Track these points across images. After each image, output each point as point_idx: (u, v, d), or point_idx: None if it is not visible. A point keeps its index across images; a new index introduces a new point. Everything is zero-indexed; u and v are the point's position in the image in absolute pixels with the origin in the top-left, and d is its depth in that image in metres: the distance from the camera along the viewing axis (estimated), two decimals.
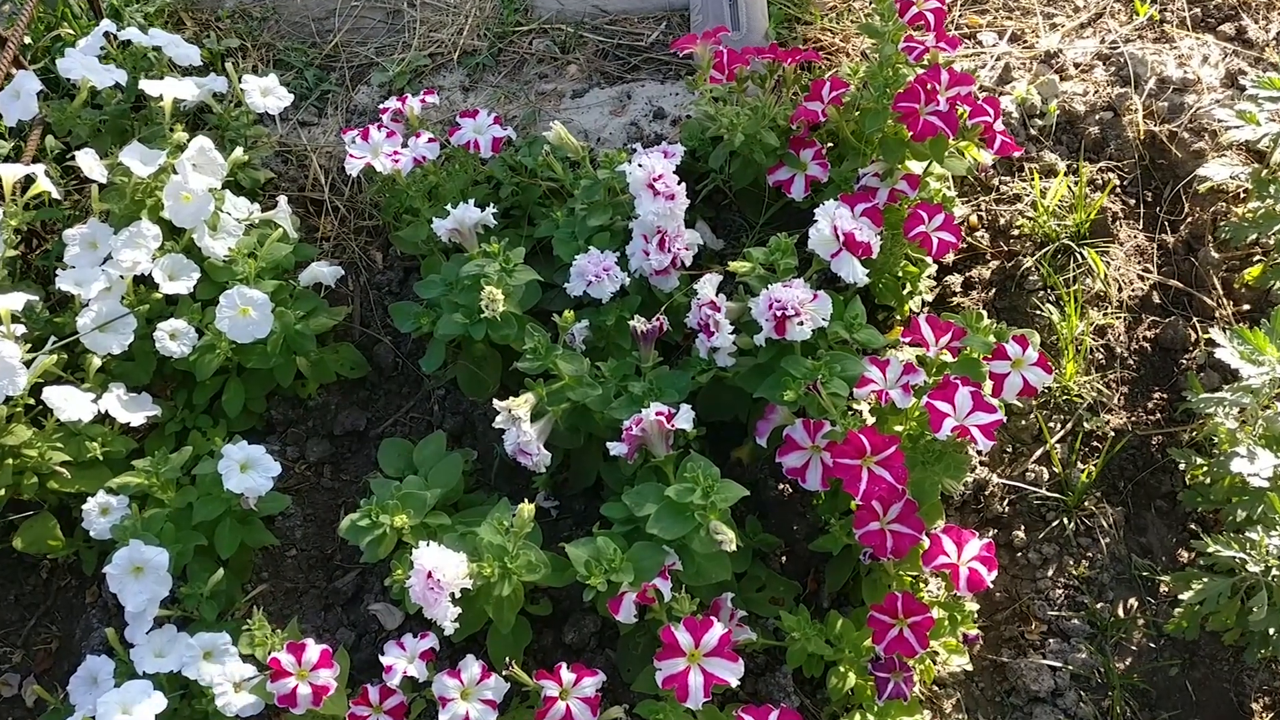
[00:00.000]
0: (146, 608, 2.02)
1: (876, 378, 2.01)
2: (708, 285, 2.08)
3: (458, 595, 1.84)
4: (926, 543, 1.96)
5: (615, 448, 1.97)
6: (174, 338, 2.23)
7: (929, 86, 2.21)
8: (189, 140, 2.32)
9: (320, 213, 2.71)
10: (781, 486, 2.30)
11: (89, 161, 2.30)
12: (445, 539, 1.97)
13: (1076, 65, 2.71)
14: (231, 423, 2.40)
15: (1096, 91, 2.64)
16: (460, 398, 2.44)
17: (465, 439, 2.44)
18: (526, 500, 2.15)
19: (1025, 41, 2.79)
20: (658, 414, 1.94)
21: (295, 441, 2.47)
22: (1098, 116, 2.60)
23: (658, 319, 2.10)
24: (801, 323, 1.99)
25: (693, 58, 2.44)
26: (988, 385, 2.03)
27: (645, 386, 2.07)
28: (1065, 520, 2.22)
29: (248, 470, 2.09)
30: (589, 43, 2.89)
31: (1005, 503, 2.26)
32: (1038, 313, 2.39)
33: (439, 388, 2.48)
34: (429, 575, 1.81)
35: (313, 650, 1.91)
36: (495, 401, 1.99)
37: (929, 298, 2.46)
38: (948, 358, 2.08)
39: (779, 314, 1.98)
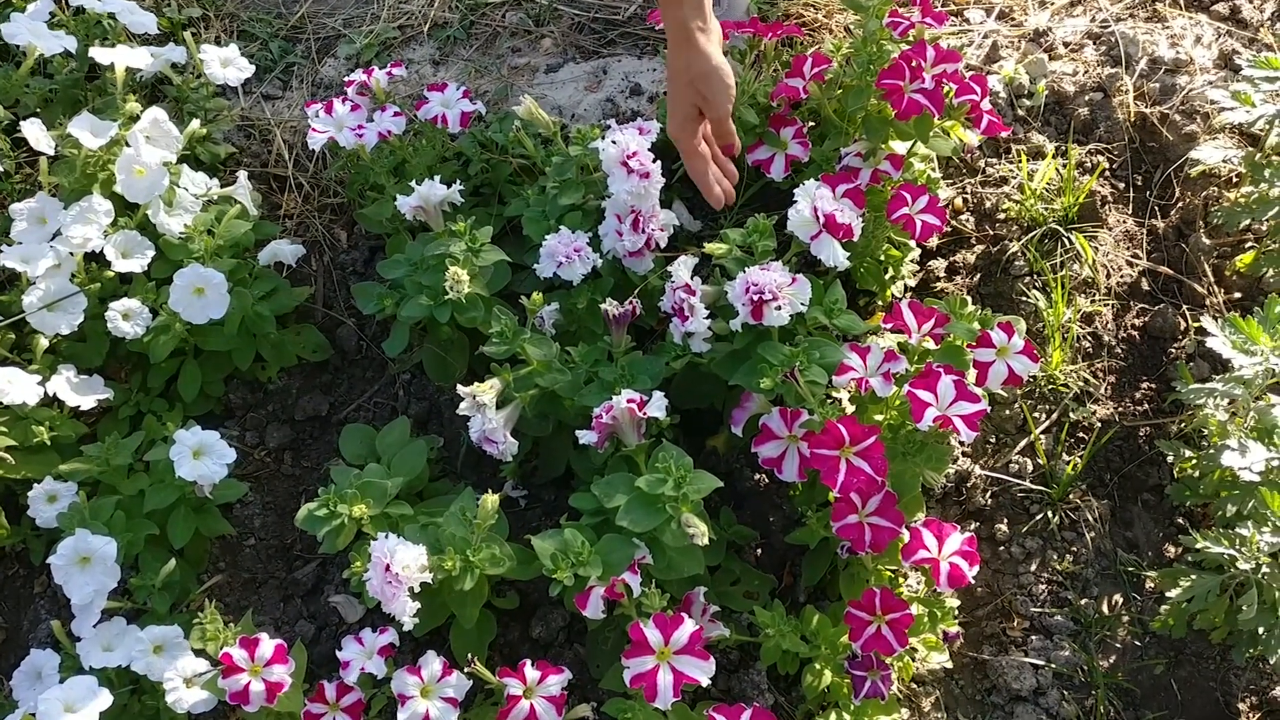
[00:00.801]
0: (93, 600, 1.94)
1: (856, 365, 1.95)
2: (682, 268, 2.02)
3: (418, 589, 1.77)
4: (906, 536, 1.90)
5: (585, 436, 1.91)
6: (127, 318, 2.16)
7: (914, 63, 2.14)
8: (143, 112, 2.23)
9: (283, 189, 2.63)
10: (758, 477, 2.24)
11: (35, 132, 2.21)
12: (406, 530, 1.91)
13: (1066, 44, 2.64)
14: (188, 407, 2.32)
15: (1086, 71, 2.58)
16: (426, 382, 2.38)
17: (431, 425, 2.37)
18: (493, 490, 2.11)
19: (1013, 19, 2.73)
20: (629, 401, 1.88)
21: (255, 427, 2.39)
22: (1087, 97, 2.54)
23: (631, 303, 2.03)
24: (779, 307, 1.93)
25: None
26: (971, 374, 1.97)
27: (617, 373, 2.01)
28: (1049, 514, 2.17)
29: (201, 457, 2.02)
30: (564, 16, 2.81)
31: (988, 495, 2.21)
32: (1024, 299, 2.34)
33: (404, 372, 2.41)
34: (387, 568, 1.74)
35: (266, 645, 1.85)
36: (459, 387, 1.92)
37: (912, 283, 2.40)
38: (930, 345, 2.02)
39: (756, 298, 1.92)
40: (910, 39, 2.26)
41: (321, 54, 2.82)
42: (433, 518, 1.97)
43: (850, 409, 2.01)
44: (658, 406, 1.90)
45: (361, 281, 2.42)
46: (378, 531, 1.90)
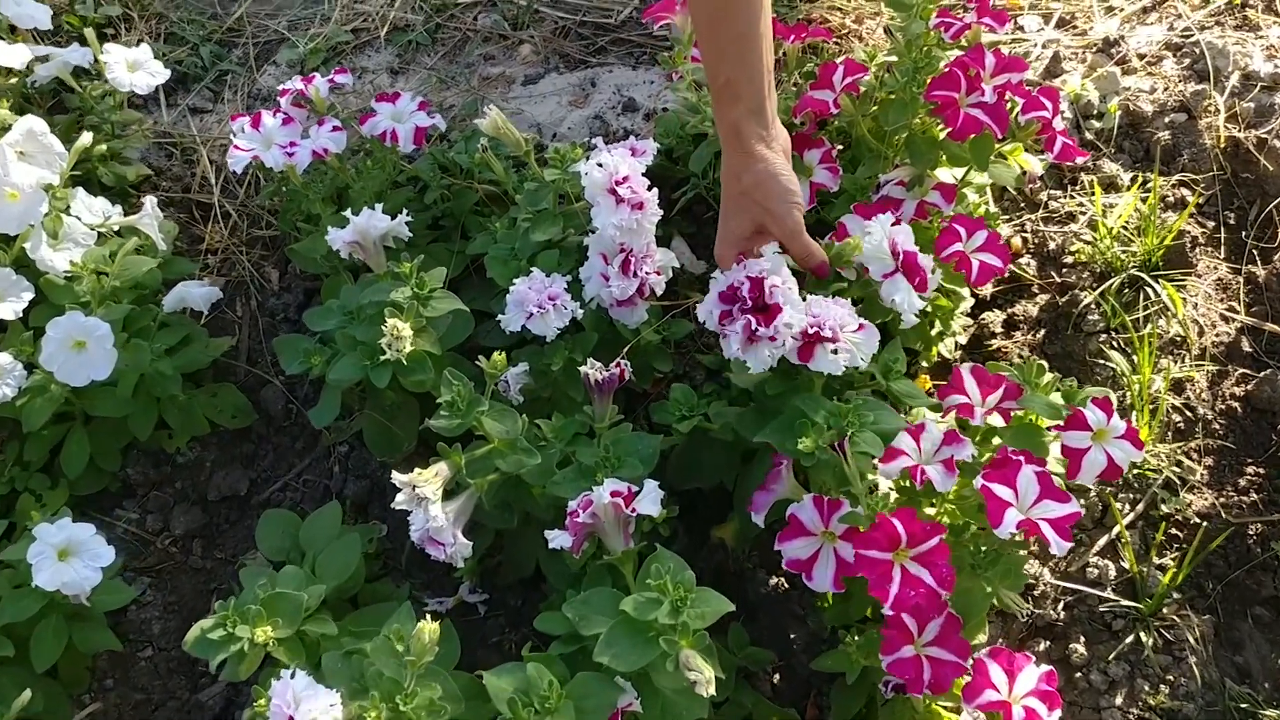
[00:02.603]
0: None
1: (908, 448, 1.56)
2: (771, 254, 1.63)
3: None
4: (969, 669, 1.50)
5: (556, 539, 1.51)
6: None
7: (971, 72, 1.77)
8: (17, 121, 1.85)
9: (208, 219, 2.25)
10: (775, 581, 1.84)
11: None
12: (327, 658, 1.51)
13: (1141, 56, 2.28)
14: (74, 485, 1.95)
15: (1166, 88, 2.21)
16: (367, 455, 1.99)
17: (373, 508, 1.98)
18: (447, 593, 1.76)
19: (1075, 27, 2.36)
20: (614, 495, 1.49)
21: (158, 508, 2.00)
22: (1168, 119, 2.17)
23: (618, 364, 1.65)
24: (835, 351, 1.54)
25: (671, 32, 1.99)
26: (1052, 462, 1.58)
27: (599, 454, 1.61)
28: (1139, 633, 1.77)
29: (69, 557, 1.63)
30: (546, 19, 2.44)
31: (1060, 607, 1.80)
32: (1099, 361, 1.95)
33: (341, 443, 2.02)
34: None
35: None
36: (395, 475, 1.53)
37: (963, 339, 2.01)
38: (997, 422, 1.63)
39: (812, 331, 1.53)
40: (963, 43, 1.90)
41: (261, 60, 2.45)
42: (361, 640, 1.57)
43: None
44: (650, 500, 1.51)
45: (292, 333, 2.03)
46: (291, 659, 1.51)
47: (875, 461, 1.56)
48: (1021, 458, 1.51)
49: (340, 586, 1.73)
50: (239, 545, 1.98)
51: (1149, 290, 1.99)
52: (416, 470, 1.53)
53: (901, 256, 1.66)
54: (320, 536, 1.79)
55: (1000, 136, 1.76)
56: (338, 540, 1.77)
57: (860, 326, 1.59)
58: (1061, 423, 1.59)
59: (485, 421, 1.59)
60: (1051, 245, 2.09)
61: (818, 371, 1.58)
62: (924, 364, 2.00)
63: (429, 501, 1.51)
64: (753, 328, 1.57)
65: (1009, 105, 1.79)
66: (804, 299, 1.60)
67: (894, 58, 1.90)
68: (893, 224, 1.76)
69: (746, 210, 1.64)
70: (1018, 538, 1.46)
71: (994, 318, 2.06)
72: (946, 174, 1.91)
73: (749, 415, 1.71)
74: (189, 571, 1.97)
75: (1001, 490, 1.47)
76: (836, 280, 1.74)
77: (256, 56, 2.46)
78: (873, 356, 1.62)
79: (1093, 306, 2.00)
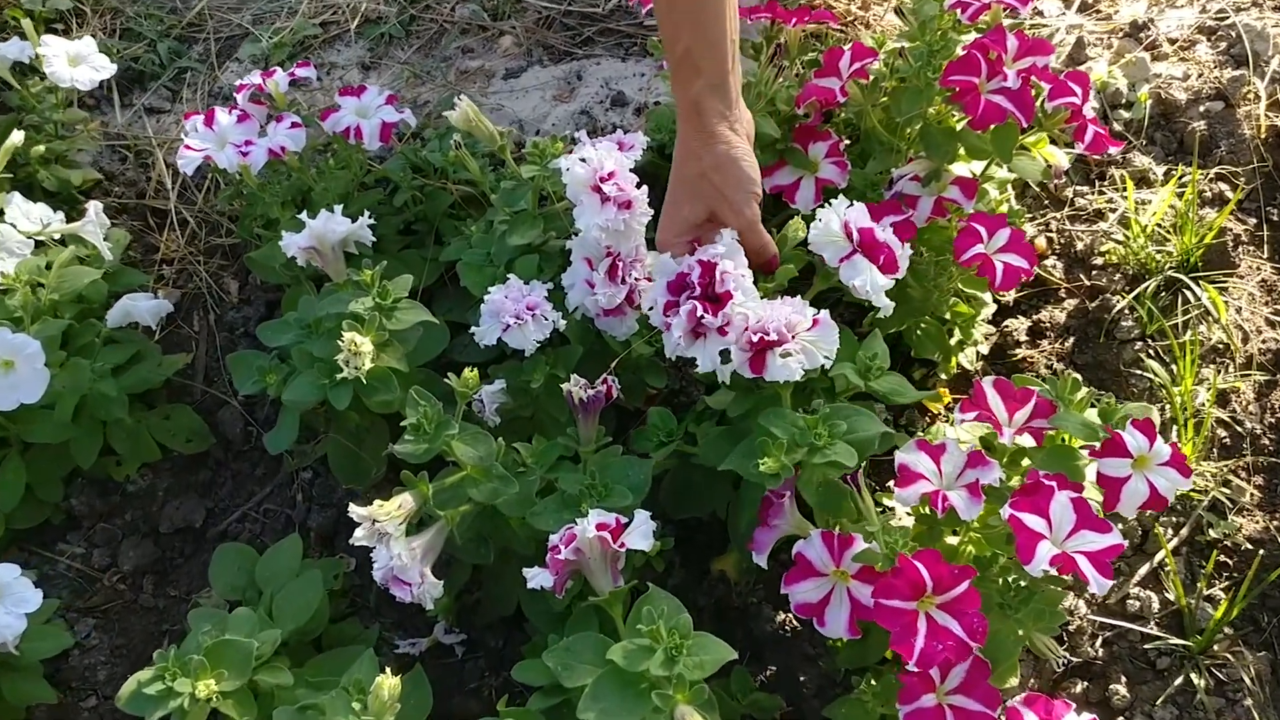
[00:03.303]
0: None
1: (927, 470, 1.40)
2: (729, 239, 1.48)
3: None
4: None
5: (536, 578, 1.36)
6: None
7: (992, 55, 1.62)
8: None
9: (165, 227, 2.10)
10: (783, 617, 1.69)
11: None
12: (277, 714, 1.36)
13: (1172, 41, 2.13)
14: (11, 517, 1.80)
15: (1201, 75, 2.06)
16: (333, 482, 1.83)
17: (339, 540, 1.83)
18: (421, 631, 1.64)
19: (1099, 10, 2.21)
20: (600, 528, 1.33)
21: (105, 542, 1.86)
22: (1204, 108, 2.02)
23: (605, 380, 1.49)
24: (788, 354, 1.39)
25: None
26: (1088, 486, 1.42)
27: (584, 480, 1.46)
28: (1188, 672, 1.61)
29: None
30: (529, 8, 2.30)
31: (1099, 644, 1.65)
32: (1135, 372, 1.80)
33: (305, 469, 1.87)
34: None
35: None
36: (353, 508, 1.37)
37: (984, 349, 1.86)
38: (1027, 442, 1.48)
39: (757, 340, 1.38)
40: (981, 25, 1.75)
41: (223, 57, 2.31)
42: (320, 690, 1.41)
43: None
44: (641, 534, 1.36)
45: (253, 349, 1.88)
46: (240, 714, 1.38)
47: (891, 485, 1.41)
48: (1054, 483, 1.36)
49: (301, 629, 1.58)
50: (194, 582, 1.83)
51: (1188, 293, 1.84)
52: (377, 502, 1.38)
53: (857, 235, 1.50)
54: (279, 573, 1.64)
55: (1025, 126, 1.61)
56: (298, 577, 1.63)
57: (815, 322, 1.44)
58: (1097, 445, 1.43)
59: (456, 446, 1.43)
60: (1079, 245, 1.95)
61: (774, 382, 1.42)
62: (942, 375, 1.85)
63: (391, 538, 1.36)
64: (698, 315, 1.41)
65: (1034, 91, 1.64)
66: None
67: (905, 43, 1.76)
68: (894, 221, 1.62)
69: (701, 195, 1.49)
70: (1053, 574, 1.31)
71: (1018, 325, 1.91)
72: (963, 168, 1.77)
73: (718, 439, 1.55)
74: (139, 611, 1.81)
75: (1033, 520, 1.31)
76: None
77: (218, 53, 2.31)
78: (847, 354, 1.47)
79: (1126, 312, 1.85)
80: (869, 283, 1.50)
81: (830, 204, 1.54)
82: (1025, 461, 1.50)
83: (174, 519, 1.86)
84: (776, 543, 1.49)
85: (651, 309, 1.51)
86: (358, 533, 1.39)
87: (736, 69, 1.49)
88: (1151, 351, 1.82)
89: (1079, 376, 1.50)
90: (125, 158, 2.18)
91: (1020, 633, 1.37)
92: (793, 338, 1.41)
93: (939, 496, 1.38)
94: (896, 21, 2.19)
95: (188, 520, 1.86)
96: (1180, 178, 1.95)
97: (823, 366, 1.43)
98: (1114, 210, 1.95)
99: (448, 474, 1.48)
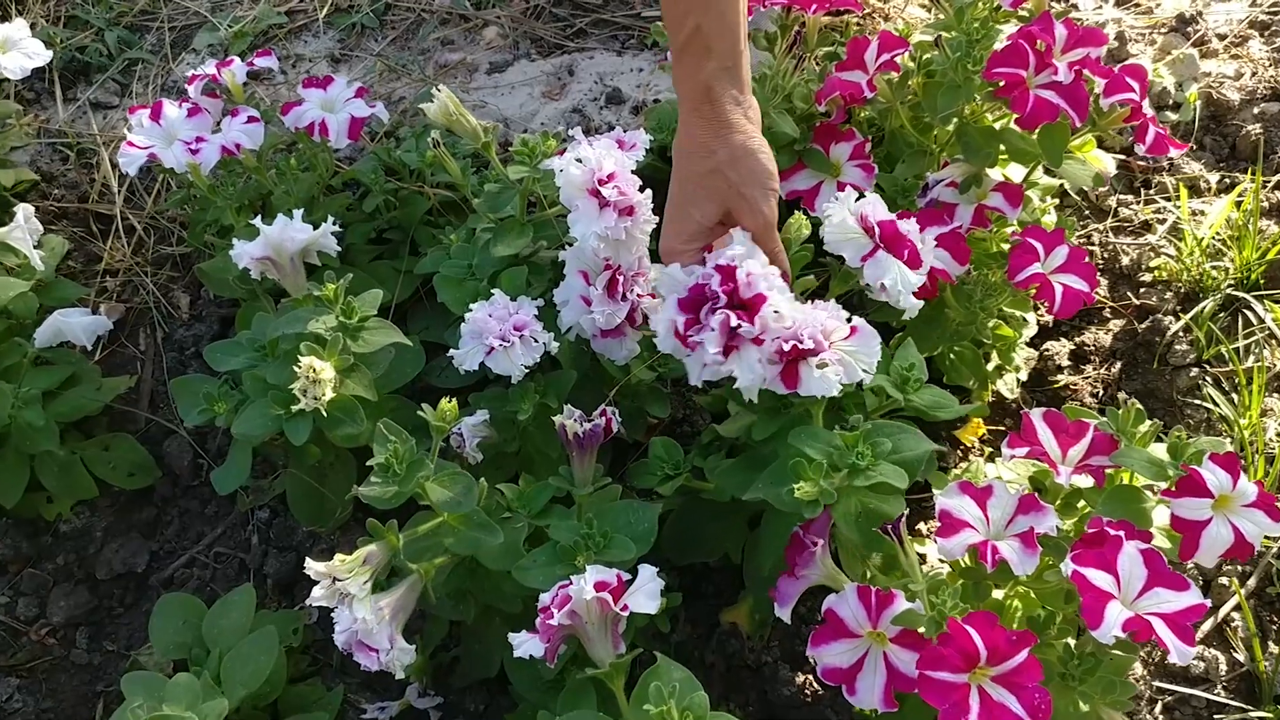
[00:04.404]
0: None
1: (973, 518, 1.24)
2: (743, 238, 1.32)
3: None
4: None
5: (524, 645, 1.19)
6: None
7: (1040, 46, 1.47)
8: None
9: (109, 234, 1.92)
10: (803, 678, 1.52)
11: None
12: None
13: (1221, 36, 1.99)
14: None
15: (1255, 73, 1.93)
16: (292, 523, 1.66)
17: (299, 589, 1.66)
18: (394, 693, 1.47)
19: (1140, 4, 2.07)
20: (599, 588, 1.16)
21: (33, 590, 1.70)
22: (1259, 109, 1.89)
23: (604, 411, 1.33)
24: (824, 364, 1.22)
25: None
26: (1158, 537, 1.26)
27: (579, 529, 1.30)
28: None
29: None
30: None
31: (1158, 709, 1.49)
32: (1192, 401, 1.64)
33: (261, 506, 1.70)
34: None
35: None
36: (309, 563, 1.20)
37: (1023, 375, 1.70)
38: (1084, 482, 1.32)
39: (787, 349, 1.21)
40: (1024, 13, 1.60)
41: (177, 48, 2.15)
42: None
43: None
44: (647, 594, 1.19)
45: (204, 371, 1.72)
46: None
47: (931, 536, 1.24)
48: (1121, 531, 1.19)
49: (254, 694, 1.42)
50: (134, 635, 1.67)
51: (1249, 313, 1.69)
52: (339, 557, 1.21)
53: (878, 230, 1.34)
54: (229, 629, 1.48)
55: (1079, 124, 1.46)
56: (251, 634, 1.46)
57: (853, 330, 1.28)
58: (1167, 485, 1.27)
59: (430, 488, 1.26)
60: (1125, 260, 1.80)
61: (809, 397, 1.26)
62: (975, 403, 1.70)
63: (354, 598, 1.19)
64: (732, 325, 1.25)
65: (1089, 86, 1.49)
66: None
67: (936, 33, 1.60)
68: (939, 233, 1.47)
69: (715, 193, 1.32)
70: (1124, 640, 1.15)
71: (1058, 348, 1.76)
72: (997, 174, 1.61)
73: (737, 468, 1.40)
74: (70, 669, 1.65)
75: (1099, 578, 1.15)
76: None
77: (172, 43, 2.15)
78: (882, 368, 1.31)
79: (1180, 334, 1.70)
80: (898, 281, 1.34)
81: (837, 198, 1.38)
82: (1081, 504, 1.35)
83: (113, 564, 1.69)
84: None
85: (657, 331, 1.34)
86: (315, 592, 1.21)
87: (747, 54, 1.33)
88: (1209, 378, 1.67)
89: (1141, 407, 1.33)
90: (67, 157, 2.02)
91: (1086, 708, 1.21)
92: (829, 346, 1.25)
93: (988, 548, 1.22)
94: (918, 14, 2.04)
95: (128, 565, 1.70)
96: (1234, 186, 1.80)
97: (861, 380, 1.27)
98: (1162, 221, 1.80)
99: (421, 520, 1.32)
